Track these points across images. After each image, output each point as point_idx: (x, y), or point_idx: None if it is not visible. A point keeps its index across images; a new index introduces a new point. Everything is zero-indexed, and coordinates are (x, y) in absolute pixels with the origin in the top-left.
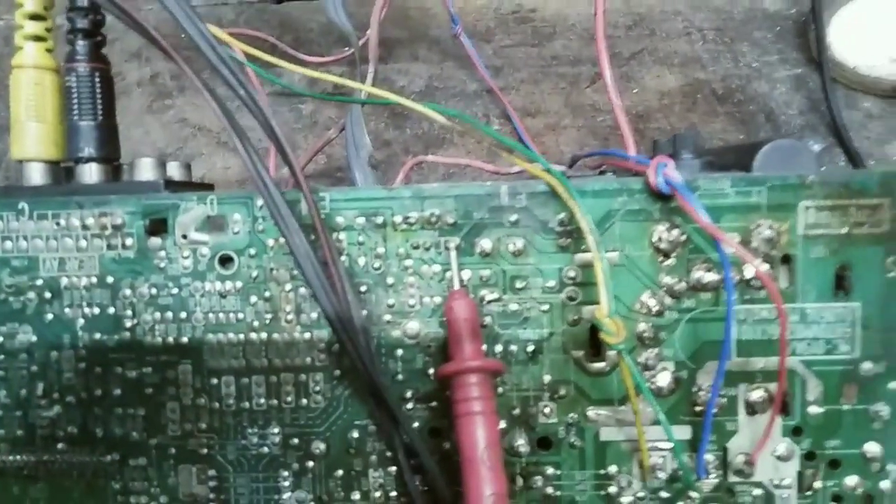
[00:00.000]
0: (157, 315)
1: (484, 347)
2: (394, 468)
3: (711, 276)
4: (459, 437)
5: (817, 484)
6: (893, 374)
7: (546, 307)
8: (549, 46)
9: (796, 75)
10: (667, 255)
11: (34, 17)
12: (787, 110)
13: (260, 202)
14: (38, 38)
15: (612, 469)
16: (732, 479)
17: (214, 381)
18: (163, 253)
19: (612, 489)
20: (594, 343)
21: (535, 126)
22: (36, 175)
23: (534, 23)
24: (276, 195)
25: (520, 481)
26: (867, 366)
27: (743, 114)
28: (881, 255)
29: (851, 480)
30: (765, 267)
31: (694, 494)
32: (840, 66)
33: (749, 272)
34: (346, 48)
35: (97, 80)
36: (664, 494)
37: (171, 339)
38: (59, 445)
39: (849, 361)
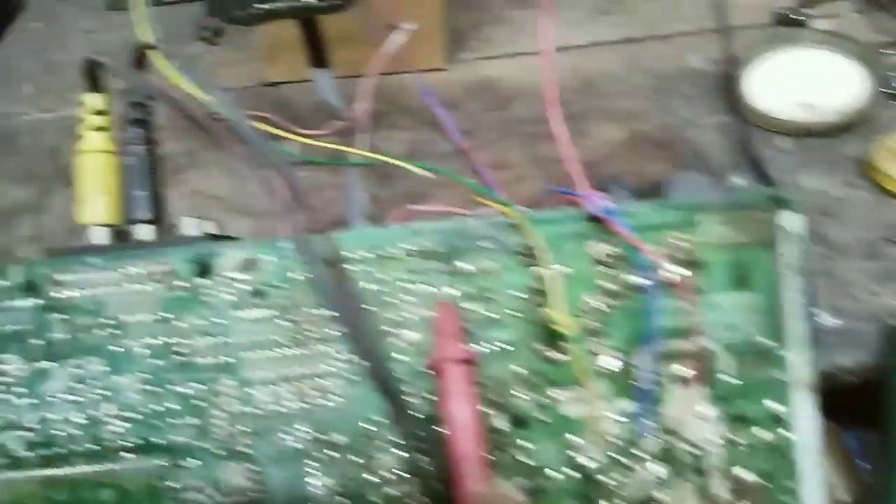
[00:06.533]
0: (206, 340)
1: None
2: (405, 452)
3: (637, 279)
4: (447, 418)
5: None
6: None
7: (514, 313)
8: (510, 110)
9: (720, 122)
10: (604, 265)
11: (99, 112)
12: (713, 151)
13: (288, 244)
14: (101, 129)
15: (576, 440)
16: (668, 439)
17: (252, 390)
18: (208, 290)
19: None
20: (554, 337)
21: (503, 177)
22: (99, 236)
23: (496, 91)
24: (305, 238)
25: (500, 455)
26: (763, 341)
27: (677, 156)
28: (770, 255)
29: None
30: (681, 270)
31: (645, 455)
32: (755, 112)
33: (666, 274)
34: (336, 121)
35: (150, 158)
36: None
37: (216, 359)
38: (124, 455)
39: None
